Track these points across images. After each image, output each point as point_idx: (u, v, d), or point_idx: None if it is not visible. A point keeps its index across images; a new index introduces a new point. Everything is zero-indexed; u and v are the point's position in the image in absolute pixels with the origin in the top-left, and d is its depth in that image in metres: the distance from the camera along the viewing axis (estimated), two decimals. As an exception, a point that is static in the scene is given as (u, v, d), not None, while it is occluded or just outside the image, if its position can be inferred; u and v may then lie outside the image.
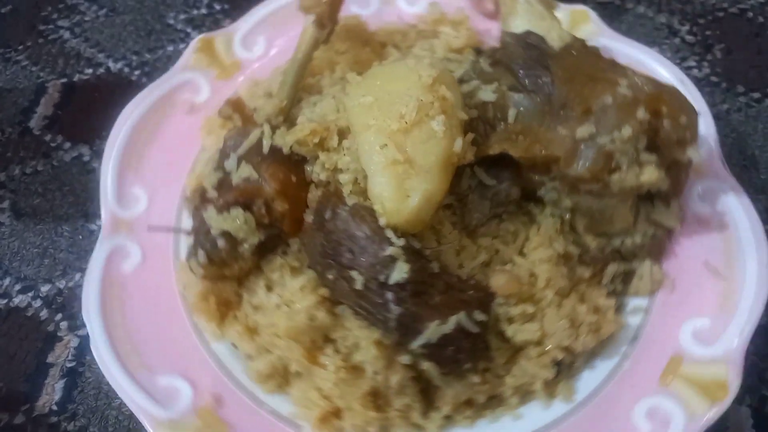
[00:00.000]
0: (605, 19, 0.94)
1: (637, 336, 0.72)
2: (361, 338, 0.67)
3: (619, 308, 0.74)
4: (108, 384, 0.77)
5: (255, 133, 0.72)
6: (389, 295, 0.62)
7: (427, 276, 0.63)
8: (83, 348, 0.81)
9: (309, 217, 0.69)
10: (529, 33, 0.75)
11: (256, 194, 0.68)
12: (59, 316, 0.84)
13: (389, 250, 0.62)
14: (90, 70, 1.10)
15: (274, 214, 0.69)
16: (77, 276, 0.87)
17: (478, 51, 0.80)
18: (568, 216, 0.73)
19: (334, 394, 0.67)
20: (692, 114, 0.68)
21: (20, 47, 1.13)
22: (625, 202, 0.69)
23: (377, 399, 0.67)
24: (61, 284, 0.87)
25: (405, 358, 0.64)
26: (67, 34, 1.15)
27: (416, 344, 0.62)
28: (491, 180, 0.72)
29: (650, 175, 0.66)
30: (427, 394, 0.68)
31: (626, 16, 1.12)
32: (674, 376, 0.68)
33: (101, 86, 1.08)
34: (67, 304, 0.85)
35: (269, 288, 0.72)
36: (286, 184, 0.69)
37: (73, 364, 0.80)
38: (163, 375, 0.70)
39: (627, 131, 0.65)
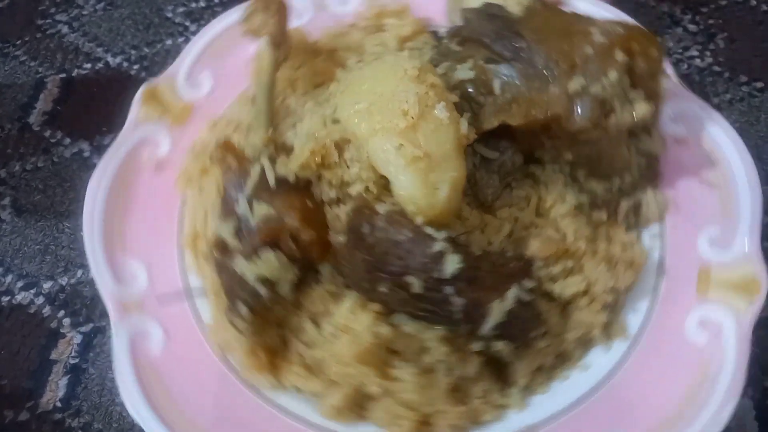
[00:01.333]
0: (608, 8, 0.93)
1: (663, 260, 0.76)
2: (426, 340, 0.66)
3: (638, 240, 0.78)
4: (112, 380, 0.78)
5: (255, 169, 0.68)
6: (448, 289, 0.62)
7: (473, 260, 0.64)
8: (86, 344, 0.81)
9: (337, 238, 0.67)
10: (488, 4, 0.76)
11: (280, 230, 0.66)
12: (62, 312, 0.84)
13: (436, 246, 0.62)
14: (89, 65, 1.09)
15: (302, 245, 0.66)
16: (79, 272, 0.87)
17: (436, 34, 0.81)
18: (568, 169, 0.76)
19: (419, 402, 0.66)
20: (658, 45, 0.72)
21: (18, 42, 1.12)
22: (621, 141, 0.73)
23: (458, 393, 0.68)
24: (63, 281, 0.87)
25: (477, 345, 0.65)
26: (65, 29, 1.14)
27: (487, 328, 0.63)
28: (493, 153, 0.73)
29: (643, 109, 0.70)
30: (501, 373, 0.69)
31: (628, 5, 1.10)
32: (708, 285, 0.73)
33: (100, 81, 1.07)
34: (70, 301, 0.85)
35: (315, 321, 0.69)
36: (305, 211, 0.67)
37: (77, 360, 0.80)
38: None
39: (613, 75, 0.68)
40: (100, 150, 0.98)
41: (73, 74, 1.08)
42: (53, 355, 0.81)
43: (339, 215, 0.69)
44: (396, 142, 0.65)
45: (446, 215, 0.66)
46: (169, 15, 1.16)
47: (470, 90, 0.72)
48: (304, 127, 0.74)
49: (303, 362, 0.69)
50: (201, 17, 1.15)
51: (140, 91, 0.85)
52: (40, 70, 1.08)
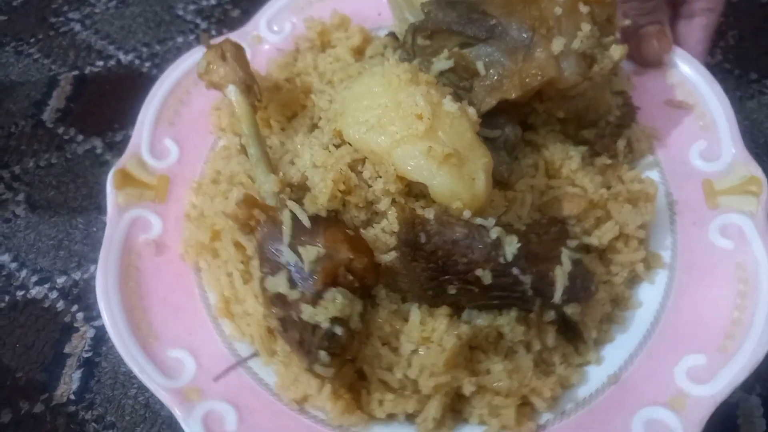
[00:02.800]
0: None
1: (666, 184, 0.82)
2: (501, 326, 0.67)
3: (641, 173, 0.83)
4: (124, 374, 0.79)
5: (285, 215, 0.67)
6: (515, 271, 0.64)
7: (523, 236, 0.66)
8: (99, 338, 0.83)
9: (386, 257, 0.67)
10: None
11: (336, 266, 0.64)
12: (75, 307, 0.85)
13: (492, 234, 0.64)
14: (101, 63, 1.10)
15: (358, 274, 0.65)
16: (92, 268, 0.88)
17: (393, 35, 0.82)
18: (560, 127, 0.79)
19: (513, 387, 0.67)
20: None
21: (32, 40, 1.14)
22: (605, 86, 0.77)
23: (543, 365, 0.70)
24: (77, 276, 0.88)
25: (550, 315, 0.67)
26: (77, 27, 1.16)
27: (558, 295, 0.65)
28: (495, 132, 0.74)
29: (619, 51, 0.75)
30: (572, 334, 0.71)
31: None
32: (715, 196, 0.79)
33: (112, 78, 1.09)
34: (83, 296, 0.86)
35: (387, 344, 0.68)
36: (351, 241, 0.66)
37: (90, 354, 0.82)
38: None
39: (586, 27, 0.72)
40: (112, 146, 1.00)
41: (86, 71, 1.09)
42: (67, 349, 0.82)
43: (376, 235, 0.69)
44: (422, 146, 0.65)
45: (486, 202, 0.68)
46: (180, 13, 1.17)
47: (454, 79, 0.73)
48: (305, 160, 0.72)
49: (389, 387, 0.68)
50: (211, 15, 1.16)
51: (110, 175, 0.80)
52: (53, 67, 1.10)
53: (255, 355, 0.72)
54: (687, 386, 0.67)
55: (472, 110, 0.69)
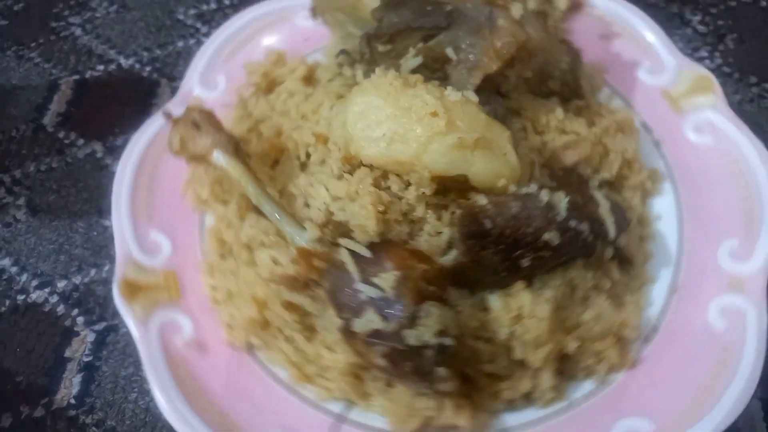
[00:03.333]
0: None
1: (632, 106, 0.88)
2: (573, 279, 0.70)
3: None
4: (125, 378, 0.79)
5: (343, 254, 0.65)
6: (572, 223, 0.67)
7: (562, 190, 0.69)
8: (99, 343, 0.82)
9: (447, 258, 0.67)
10: None
11: (416, 282, 0.62)
12: (76, 311, 0.85)
13: (542, 197, 0.66)
14: (101, 67, 1.11)
15: (434, 282, 0.64)
16: (92, 272, 0.88)
17: (346, 52, 0.81)
18: (525, 87, 0.81)
19: (606, 327, 0.70)
20: None
21: (33, 44, 1.14)
22: (557, 37, 0.81)
23: (615, 299, 0.73)
24: (77, 280, 0.88)
25: (609, 252, 0.72)
26: (78, 31, 1.16)
27: (612, 231, 0.69)
28: (484, 108, 0.75)
29: (564, 1, 0.80)
30: (625, 262, 0.75)
31: (637, 5, 1.11)
32: (676, 102, 0.86)
33: (113, 83, 1.09)
34: (83, 300, 0.86)
35: (480, 338, 0.68)
36: (413, 253, 0.65)
37: (90, 358, 0.81)
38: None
39: None
40: (112, 151, 1.00)
41: (87, 76, 1.09)
42: (67, 353, 0.82)
43: (427, 242, 0.69)
44: (450, 140, 0.66)
45: (522, 171, 0.71)
46: (181, 17, 1.17)
47: (426, 73, 0.73)
48: (323, 197, 0.71)
49: (498, 378, 0.68)
50: (212, 19, 1.16)
51: (116, 292, 0.73)
52: (54, 71, 1.10)
53: (351, 405, 0.70)
54: (734, 268, 0.74)
55: (470, 93, 0.70)
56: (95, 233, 0.92)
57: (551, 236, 0.65)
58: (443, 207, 0.70)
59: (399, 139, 0.67)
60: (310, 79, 0.87)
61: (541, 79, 0.81)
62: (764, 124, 0.97)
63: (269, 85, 0.89)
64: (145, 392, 0.78)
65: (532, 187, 0.67)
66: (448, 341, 0.61)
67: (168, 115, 0.76)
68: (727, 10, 1.10)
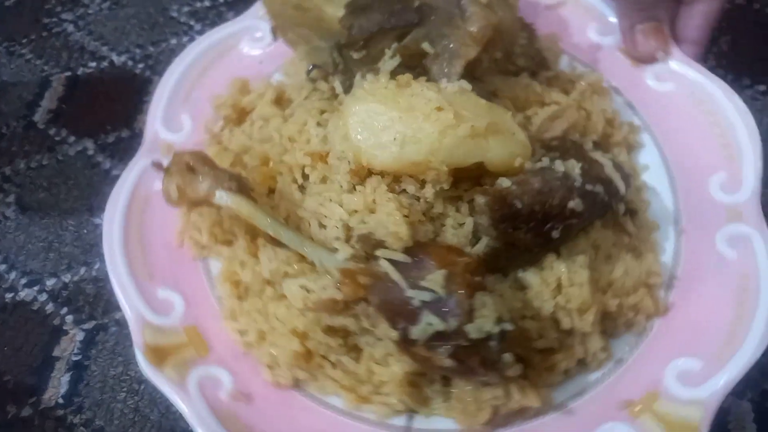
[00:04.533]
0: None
1: (592, 66, 0.91)
2: (597, 240, 0.72)
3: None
4: (113, 377, 0.79)
5: (384, 265, 0.64)
6: (589, 186, 0.69)
7: (569, 158, 0.71)
8: (88, 342, 0.82)
9: (477, 248, 0.67)
10: (352, 1, 0.75)
11: (463, 276, 0.62)
12: (65, 309, 0.84)
13: (558, 168, 0.68)
14: (94, 64, 1.10)
15: (477, 272, 0.64)
16: (82, 270, 0.88)
17: (316, 66, 0.81)
18: (496, 67, 0.82)
19: (636, 279, 0.72)
20: None
21: (24, 40, 1.13)
22: (515, 12, 0.81)
23: (635, 252, 0.75)
24: (67, 278, 0.87)
25: (621, 207, 0.74)
26: (70, 27, 1.15)
27: (623, 188, 0.72)
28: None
29: None
30: (634, 214, 0.78)
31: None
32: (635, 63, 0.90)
33: (105, 80, 1.08)
34: (73, 298, 0.85)
35: (524, 316, 0.68)
36: (450, 248, 0.66)
37: (79, 357, 0.81)
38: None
39: None
40: (104, 148, 0.99)
41: (79, 73, 1.09)
42: (56, 352, 0.81)
43: (454, 236, 0.69)
44: (463, 130, 0.65)
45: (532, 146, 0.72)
46: (174, 14, 1.16)
47: (405, 71, 0.72)
48: (339, 215, 0.69)
49: (551, 351, 0.69)
50: (206, 17, 1.15)
51: (142, 360, 0.67)
52: (46, 68, 1.09)
53: (413, 415, 0.69)
54: (728, 199, 0.77)
55: (462, 82, 0.71)
56: (85, 231, 0.91)
57: (575, 203, 0.67)
58: (458, 198, 0.70)
59: (410, 140, 0.66)
60: (281, 100, 0.84)
61: (506, 58, 0.82)
62: (757, 126, 0.97)
63: (240, 115, 0.86)
64: (134, 392, 0.78)
65: (545, 161, 0.69)
66: (508, 326, 0.61)
67: (158, 166, 0.73)
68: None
